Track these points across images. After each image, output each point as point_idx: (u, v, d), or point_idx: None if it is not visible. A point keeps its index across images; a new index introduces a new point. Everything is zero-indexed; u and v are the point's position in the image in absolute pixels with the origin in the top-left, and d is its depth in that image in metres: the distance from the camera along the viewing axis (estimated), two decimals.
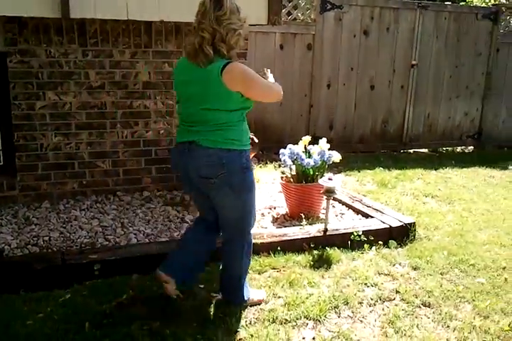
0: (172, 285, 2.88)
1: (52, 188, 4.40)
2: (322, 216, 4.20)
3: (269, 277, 3.33)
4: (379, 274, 3.46)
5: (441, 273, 3.51)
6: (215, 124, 2.60)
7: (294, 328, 2.79)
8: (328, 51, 7.08)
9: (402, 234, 4.01)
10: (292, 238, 3.73)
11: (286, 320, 2.84)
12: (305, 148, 4.31)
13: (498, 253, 3.90)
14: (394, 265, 3.61)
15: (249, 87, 2.61)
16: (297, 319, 2.86)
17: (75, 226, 3.86)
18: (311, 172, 4.22)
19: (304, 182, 4.23)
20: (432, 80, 7.78)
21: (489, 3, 10.25)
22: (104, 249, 3.44)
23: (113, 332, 2.66)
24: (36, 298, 2.95)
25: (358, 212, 4.42)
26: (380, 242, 3.88)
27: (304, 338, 2.72)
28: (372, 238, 3.86)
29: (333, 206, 4.54)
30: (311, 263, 3.53)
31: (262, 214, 4.33)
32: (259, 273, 3.37)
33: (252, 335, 2.69)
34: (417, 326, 2.86)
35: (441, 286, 3.32)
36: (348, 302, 3.05)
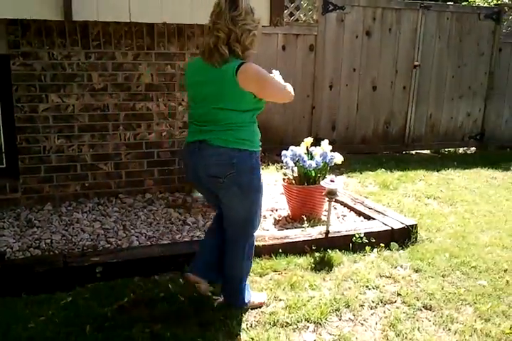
0: (204, 284, 2.92)
1: (54, 191, 4.42)
2: (324, 218, 4.20)
3: (270, 280, 3.33)
4: (380, 277, 3.46)
5: (442, 276, 3.51)
6: (227, 124, 2.63)
7: (294, 331, 2.79)
8: (330, 52, 7.08)
9: (403, 236, 4.01)
10: (294, 240, 3.73)
11: (287, 323, 2.85)
12: (307, 149, 4.32)
13: (500, 255, 3.89)
14: (395, 267, 3.61)
15: (263, 87, 2.65)
16: (298, 322, 2.86)
17: (77, 229, 3.87)
18: (313, 174, 4.22)
19: (305, 184, 4.24)
20: (434, 81, 7.77)
21: (491, 3, 10.22)
22: (106, 252, 3.45)
23: (114, 335, 2.66)
24: (38, 301, 2.96)
25: (359, 213, 4.42)
26: (382, 244, 3.87)
27: None
28: (374, 240, 3.86)
29: (335, 208, 4.55)
30: (313, 265, 3.53)
31: (264, 216, 4.33)
32: (260, 276, 3.37)
33: (252, 338, 2.70)
34: (418, 329, 2.86)
35: (442, 289, 3.32)
36: (349, 305, 3.06)
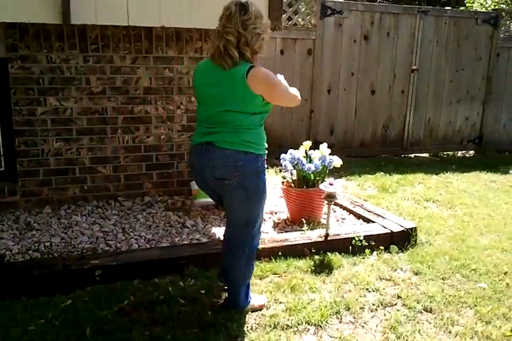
0: None
1: (53, 194, 4.41)
2: (323, 221, 4.20)
3: (270, 282, 3.32)
4: (380, 279, 3.45)
5: (442, 278, 3.51)
6: (235, 126, 2.65)
7: (295, 334, 2.78)
8: (328, 56, 7.10)
9: (403, 239, 4.01)
10: (293, 243, 3.73)
11: (287, 325, 2.84)
12: (306, 153, 4.32)
13: (499, 258, 3.89)
14: (395, 270, 3.60)
15: (272, 91, 2.69)
16: (298, 324, 2.86)
17: (76, 232, 3.86)
18: (312, 177, 4.22)
19: (304, 187, 4.23)
20: (432, 85, 7.79)
21: (489, 8, 10.27)
22: (105, 255, 3.44)
23: (114, 337, 2.65)
24: (37, 304, 2.95)
25: (359, 216, 4.42)
26: (382, 247, 3.87)
27: None
28: (374, 243, 3.86)
29: (334, 211, 4.54)
30: (313, 268, 3.53)
31: (263, 219, 4.32)
32: (260, 279, 3.36)
33: None
34: (419, 331, 2.86)
35: (442, 291, 3.31)
36: (349, 308, 3.05)
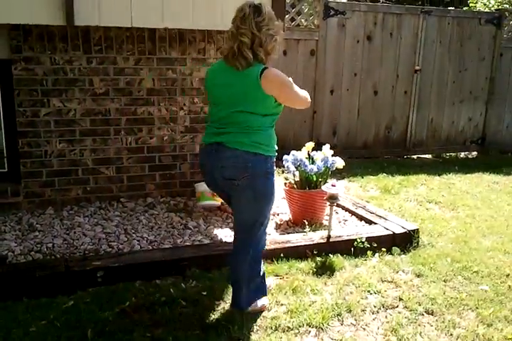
0: None
1: (56, 195, 4.42)
2: (325, 222, 4.20)
3: (272, 284, 3.32)
4: (382, 281, 3.45)
5: (444, 281, 3.50)
6: (245, 127, 2.67)
7: (296, 336, 2.78)
8: (331, 57, 7.10)
9: (405, 241, 4.00)
10: (295, 245, 3.73)
11: (288, 327, 2.84)
12: (308, 154, 4.32)
13: (501, 260, 3.88)
14: (397, 272, 3.60)
15: (285, 92, 2.72)
16: (300, 326, 2.86)
17: (78, 233, 3.87)
18: (315, 179, 4.22)
19: (307, 189, 4.24)
20: (435, 85, 7.78)
21: (492, 8, 10.24)
22: (107, 256, 3.45)
23: (116, 339, 2.66)
24: (39, 305, 2.96)
25: (361, 218, 4.41)
26: (384, 249, 3.87)
27: None
28: (376, 245, 3.85)
29: (337, 212, 4.54)
30: (314, 270, 3.52)
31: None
32: None
33: None
34: (420, 334, 2.86)
35: (444, 294, 3.31)
36: (351, 310, 3.05)
